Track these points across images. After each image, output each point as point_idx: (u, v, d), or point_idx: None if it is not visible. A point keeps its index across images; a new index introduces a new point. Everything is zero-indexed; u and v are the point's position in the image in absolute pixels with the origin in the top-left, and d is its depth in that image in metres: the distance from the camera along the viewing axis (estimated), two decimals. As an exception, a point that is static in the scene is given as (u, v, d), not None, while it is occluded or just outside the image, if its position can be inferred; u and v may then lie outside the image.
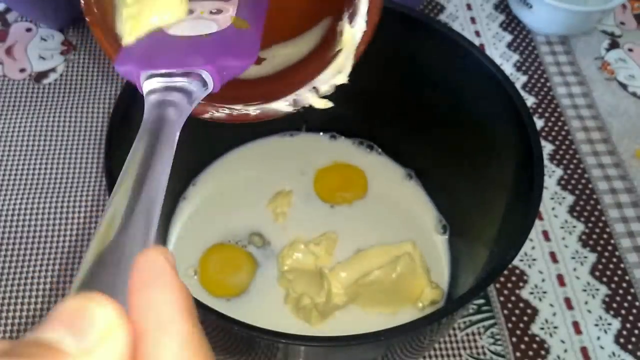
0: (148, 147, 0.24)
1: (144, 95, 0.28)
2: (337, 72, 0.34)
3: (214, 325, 0.32)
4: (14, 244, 0.49)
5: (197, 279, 0.45)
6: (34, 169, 0.52)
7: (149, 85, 0.28)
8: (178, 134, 0.25)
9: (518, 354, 0.46)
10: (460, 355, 0.46)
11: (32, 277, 0.47)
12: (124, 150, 0.35)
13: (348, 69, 0.33)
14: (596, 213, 0.54)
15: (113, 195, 0.21)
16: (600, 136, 0.59)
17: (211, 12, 0.32)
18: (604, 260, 0.51)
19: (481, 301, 0.48)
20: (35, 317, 0.45)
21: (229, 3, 0.33)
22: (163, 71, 0.28)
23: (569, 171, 0.56)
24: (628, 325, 0.48)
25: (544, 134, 0.59)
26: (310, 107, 0.36)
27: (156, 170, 0.22)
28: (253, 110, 0.33)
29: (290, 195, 0.49)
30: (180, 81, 0.28)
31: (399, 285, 0.43)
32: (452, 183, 0.48)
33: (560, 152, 0.58)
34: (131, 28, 0.31)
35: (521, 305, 0.49)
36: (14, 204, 0.50)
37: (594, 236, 0.53)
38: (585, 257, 0.51)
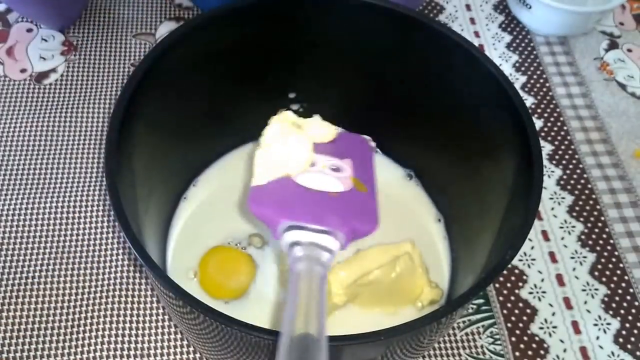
0: (314, 307, 0.28)
1: (286, 243, 0.32)
2: None
3: (214, 325, 0.32)
4: (14, 244, 0.49)
5: (196, 281, 0.45)
6: (34, 169, 0.53)
7: (293, 236, 0.32)
8: (326, 287, 0.30)
9: (517, 354, 0.46)
10: (459, 355, 0.46)
11: (32, 278, 0.47)
12: (124, 151, 0.36)
13: None
14: (595, 213, 0.54)
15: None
16: (599, 136, 0.59)
17: (331, 169, 0.37)
18: (603, 260, 0.51)
19: (480, 301, 0.49)
20: (35, 317, 0.45)
21: (345, 162, 0.38)
22: (300, 224, 0.32)
23: (568, 171, 0.57)
24: (627, 325, 0.48)
25: (543, 134, 0.59)
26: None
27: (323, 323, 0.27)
28: None
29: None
30: (326, 240, 0.32)
31: (398, 285, 0.43)
32: (451, 183, 0.48)
33: (560, 152, 0.58)
34: (262, 171, 0.35)
35: (520, 305, 0.49)
36: (14, 204, 0.51)
37: (593, 236, 0.53)
38: (585, 257, 0.52)
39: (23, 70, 0.59)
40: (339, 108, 0.50)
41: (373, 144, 0.42)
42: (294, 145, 0.37)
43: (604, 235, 0.53)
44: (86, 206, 0.51)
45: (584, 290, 0.50)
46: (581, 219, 0.54)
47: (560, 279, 0.50)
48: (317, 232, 0.32)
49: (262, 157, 0.36)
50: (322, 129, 0.40)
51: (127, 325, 0.45)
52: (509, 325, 0.48)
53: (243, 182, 0.50)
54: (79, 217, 0.50)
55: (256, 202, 0.34)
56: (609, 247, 0.52)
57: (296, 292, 0.28)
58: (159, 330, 0.45)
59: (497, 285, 0.50)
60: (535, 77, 0.63)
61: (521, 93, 0.61)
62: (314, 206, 0.34)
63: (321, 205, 0.34)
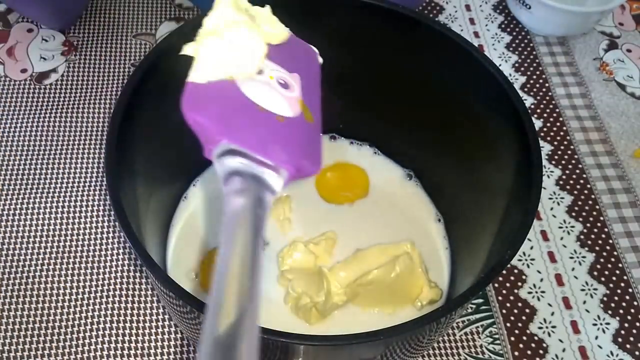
0: (248, 249, 0.22)
1: (224, 170, 0.25)
2: None
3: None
4: (14, 244, 0.49)
5: (198, 281, 0.45)
6: (34, 169, 0.53)
7: (234, 163, 0.25)
8: (264, 233, 0.24)
9: (516, 353, 0.46)
10: (458, 354, 0.46)
11: (33, 278, 0.47)
12: (124, 151, 0.36)
13: None
14: (594, 213, 0.54)
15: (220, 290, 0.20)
16: (598, 136, 0.59)
17: (279, 83, 0.30)
18: (602, 260, 0.52)
19: (480, 300, 0.49)
20: (35, 317, 0.45)
21: (293, 77, 0.31)
22: (244, 150, 0.26)
23: (567, 171, 0.57)
24: (626, 325, 0.48)
25: (542, 134, 0.59)
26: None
27: (258, 268, 0.22)
28: None
29: (289, 200, 0.49)
30: (269, 176, 0.26)
31: (397, 285, 0.43)
32: (451, 183, 0.48)
33: (559, 152, 0.58)
34: (204, 66, 0.29)
35: (519, 304, 0.49)
36: (15, 204, 0.51)
37: (592, 236, 0.53)
38: (584, 257, 0.52)
39: (23, 71, 0.59)
40: (339, 109, 0.51)
41: (320, 59, 0.35)
42: (246, 40, 0.29)
43: (603, 235, 0.53)
44: (86, 206, 0.51)
45: (583, 290, 0.50)
46: (580, 219, 0.54)
47: (559, 279, 0.50)
48: (260, 164, 0.26)
49: (206, 47, 0.29)
50: (273, 26, 0.32)
51: (127, 325, 0.45)
52: (508, 324, 0.48)
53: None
54: (79, 217, 0.50)
55: (193, 106, 0.27)
56: (608, 247, 0.52)
57: (230, 248, 0.22)
58: (159, 330, 0.45)
59: (496, 285, 0.50)
60: (534, 77, 0.63)
61: (521, 93, 0.61)
62: (260, 130, 0.27)
63: (268, 130, 0.28)
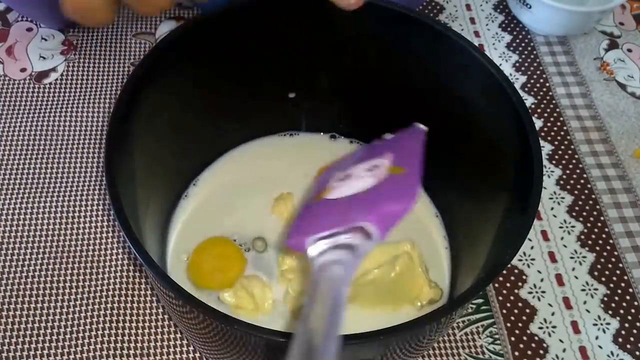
0: (325, 310, 0.27)
1: (311, 260, 0.29)
2: None
3: (214, 324, 0.32)
4: (14, 243, 0.49)
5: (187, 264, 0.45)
6: (34, 169, 0.53)
7: (314, 249, 0.30)
8: (347, 287, 0.28)
9: (517, 353, 0.46)
10: (459, 354, 0.46)
11: (32, 277, 0.47)
12: (124, 150, 0.36)
13: None
14: (595, 213, 0.54)
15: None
16: (599, 136, 0.59)
17: (367, 170, 0.34)
18: (602, 260, 0.51)
19: (480, 300, 0.49)
20: (34, 317, 0.45)
21: (384, 157, 0.35)
22: (327, 233, 0.30)
23: (567, 171, 0.57)
24: (626, 325, 0.48)
25: (543, 134, 0.59)
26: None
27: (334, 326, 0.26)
28: None
29: (291, 197, 0.49)
30: (344, 238, 0.29)
31: (397, 285, 0.43)
32: (451, 183, 0.48)
33: (559, 152, 0.58)
34: None
35: (520, 304, 0.49)
36: (14, 204, 0.51)
37: (593, 236, 0.53)
38: (584, 257, 0.52)
39: (23, 70, 0.59)
40: (339, 108, 0.51)
41: (423, 128, 0.39)
42: None
43: (604, 235, 0.53)
44: (86, 206, 0.51)
45: (583, 290, 0.50)
46: (581, 219, 0.54)
47: (559, 279, 0.50)
48: (341, 234, 0.31)
49: None
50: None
51: (127, 325, 0.45)
52: (509, 325, 0.48)
53: (243, 182, 0.50)
54: (79, 217, 0.50)
55: (290, 237, 0.33)
56: (608, 247, 0.52)
57: (311, 300, 0.28)
58: (159, 330, 0.45)
59: (496, 285, 0.50)
60: (535, 77, 0.63)
61: (521, 93, 0.61)
62: (337, 211, 0.32)
63: (346, 206, 0.32)
